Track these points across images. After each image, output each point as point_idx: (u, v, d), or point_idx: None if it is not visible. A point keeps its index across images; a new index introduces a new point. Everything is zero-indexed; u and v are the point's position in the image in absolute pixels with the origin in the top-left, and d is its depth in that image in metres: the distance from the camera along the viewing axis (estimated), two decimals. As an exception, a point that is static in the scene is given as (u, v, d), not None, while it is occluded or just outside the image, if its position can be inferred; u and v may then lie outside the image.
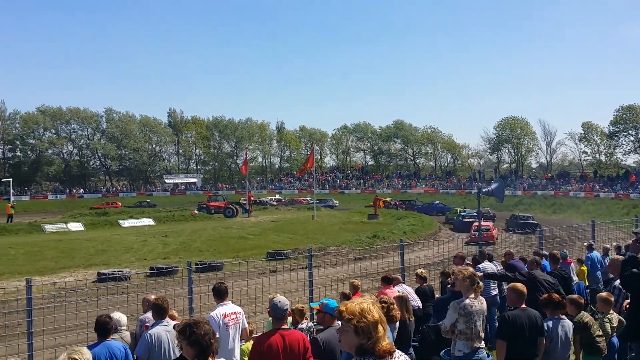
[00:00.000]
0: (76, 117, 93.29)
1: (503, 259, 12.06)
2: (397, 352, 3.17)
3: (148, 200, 75.69)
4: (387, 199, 65.81)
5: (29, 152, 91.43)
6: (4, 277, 23.82)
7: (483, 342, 6.41)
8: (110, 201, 73.27)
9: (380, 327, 3.01)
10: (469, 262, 11.39)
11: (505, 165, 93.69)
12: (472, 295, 6.35)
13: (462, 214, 48.42)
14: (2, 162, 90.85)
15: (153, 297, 7.13)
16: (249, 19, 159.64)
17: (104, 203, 70.95)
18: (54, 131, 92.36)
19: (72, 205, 73.11)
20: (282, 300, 5.49)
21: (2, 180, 79.78)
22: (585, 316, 7.01)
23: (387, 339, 3.07)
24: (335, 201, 73.27)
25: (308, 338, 5.79)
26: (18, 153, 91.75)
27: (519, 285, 6.59)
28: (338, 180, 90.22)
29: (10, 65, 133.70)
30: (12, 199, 70.84)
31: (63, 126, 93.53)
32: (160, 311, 6.55)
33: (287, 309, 5.51)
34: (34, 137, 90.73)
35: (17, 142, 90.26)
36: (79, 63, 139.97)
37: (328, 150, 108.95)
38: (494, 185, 17.43)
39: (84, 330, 9.39)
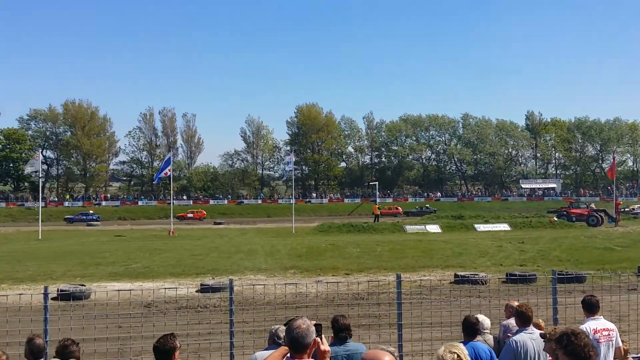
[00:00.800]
0: (435, 123, 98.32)
1: None
2: None
3: (427, 206, 76.64)
4: None
5: (392, 158, 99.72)
6: (372, 271, 26.17)
7: None
8: (195, 209, 76.93)
9: None
10: None
11: None
12: None
13: None
14: (370, 167, 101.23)
15: (516, 303, 6.85)
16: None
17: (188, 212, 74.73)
18: (414, 138, 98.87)
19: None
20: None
21: (370, 183, 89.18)
22: None
23: None
24: None
25: None
26: (383, 159, 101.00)
27: None
28: None
29: (379, 80, 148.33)
30: (377, 200, 78.62)
31: (422, 133, 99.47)
32: (524, 318, 6.27)
33: None
34: (397, 143, 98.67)
35: (383, 148, 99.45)
36: (440, 73, 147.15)
37: None
38: None
39: (447, 328, 9.56)
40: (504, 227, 48.26)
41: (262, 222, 65.43)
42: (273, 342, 5.64)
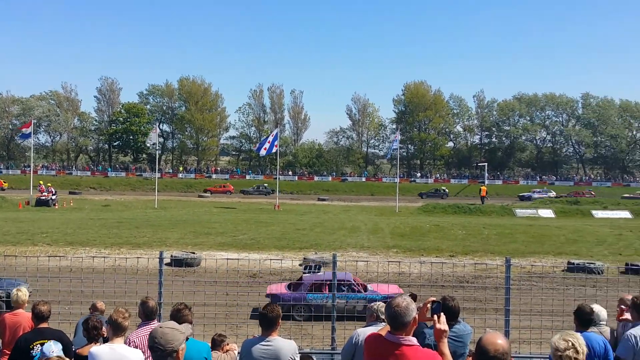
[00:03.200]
0: (551, 103, 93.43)
1: None
2: None
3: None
4: None
5: (503, 138, 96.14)
6: (478, 255, 25.52)
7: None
8: (223, 183, 75.97)
9: None
10: None
11: None
12: None
13: None
14: (479, 148, 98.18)
15: (630, 296, 6.28)
16: None
17: (218, 185, 74.06)
18: (528, 118, 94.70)
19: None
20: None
21: (479, 164, 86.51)
22: None
23: None
24: None
25: None
26: (494, 139, 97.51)
27: None
28: None
29: (492, 57, 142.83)
30: (486, 182, 76.24)
31: (538, 113, 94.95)
32: (640, 312, 5.75)
33: None
34: (509, 123, 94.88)
35: (494, 128, 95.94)
36: (558, 49, 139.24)
37: None
38: None
39: (558, 318, 9.07)
40: (625, 214, 45.25)
41: (366, 200, 65.55)
42: (376, 318, 5.58)
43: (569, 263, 22.87)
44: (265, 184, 74.25)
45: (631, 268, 20.19)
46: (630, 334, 5.57)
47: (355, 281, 16.34)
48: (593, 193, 69.18)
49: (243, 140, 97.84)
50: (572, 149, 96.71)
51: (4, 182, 69.64)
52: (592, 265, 21.98)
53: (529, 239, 30.80)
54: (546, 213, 45.71)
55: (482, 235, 31.82)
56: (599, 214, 45.52)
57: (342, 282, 15.36)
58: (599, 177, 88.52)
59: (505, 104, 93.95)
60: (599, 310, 6.24)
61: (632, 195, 67.17)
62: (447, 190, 75.07)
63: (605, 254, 27.09)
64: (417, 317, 3.68)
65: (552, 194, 69.40)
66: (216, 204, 52.83)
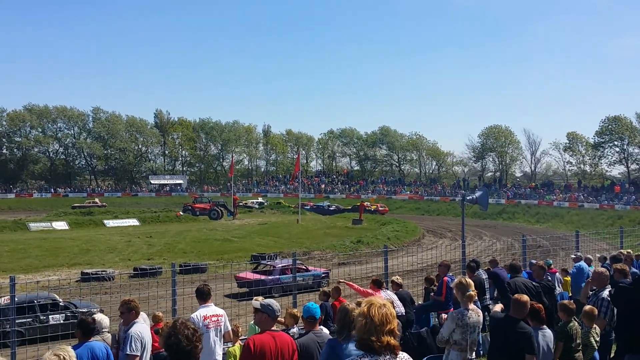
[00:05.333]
0: (63, 115, 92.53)
1: (487, 267, 12.18)
2: (403, 354, 3.36)
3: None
4: None
5: (15, 150, 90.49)
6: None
7: (474, 353, 6.40)
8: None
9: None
10: (464, 271, 11.52)
11: (490, 174, 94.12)
12: (470, 306, 6.35)
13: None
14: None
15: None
16: (237, 20, 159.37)
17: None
18: (40, 129, 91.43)
19: (58, 204, 72.23)
20: (275, 302, 5.50)
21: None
22: (576, 326, 6.94)
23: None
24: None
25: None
26: (4, 151, 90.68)
27: (522, 297, 6.28)
28: (323, 185, 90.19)
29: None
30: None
31: (49, 125, 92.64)
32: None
33: (279, 312, 5.53)
34: (20, 135, 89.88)
35: (4, 139, 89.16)
36: (66, 61, 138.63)
37: (314, 155, 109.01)
38: (478, 194, 17.55)
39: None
40: (134, 222, 48.63)
41: None
42: None
43: (82, 273, 23.39)
44: None
45: (139, 272, 22.06)
46: (136, 332, 6.29)
47: None
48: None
49: None
50: (84, 161, 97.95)
51: None
52: (104, 273, 23.02)
53: (43, 253, 30.19)
54: (60, 225, 45.32)
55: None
56: (110, 223, 47.63)
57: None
58: (110, 188, 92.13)
59: (16, 114, 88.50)
60: (101, 318, 6.74)
61: (82, 205, 66.77)
62: None
63: (116, 261, 28.78)
64: None
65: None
66: None
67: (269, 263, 23.58)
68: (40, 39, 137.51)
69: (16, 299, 8.72)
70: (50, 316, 15.27)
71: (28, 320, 14.36)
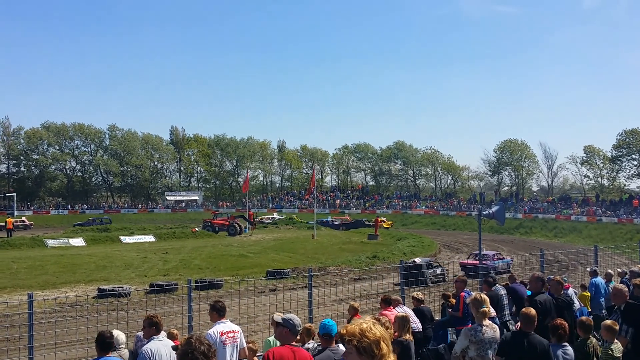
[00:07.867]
0: (80, 133, 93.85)
1: (505, 283, 12.05)
2: None
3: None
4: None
5: (32, 168, 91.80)
6: (6, 291, 23.85)
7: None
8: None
9: (383, 345, 3.04)
10: (481, 286, 11.40)
11: (506, 188, 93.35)
12: (485, 322, 6.27)
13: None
14: (7, 177, 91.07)
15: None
16: (252, 38, 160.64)
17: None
18: (57, 147, 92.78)
19: (75, 220, 72.79)
20: (296, 317, 5.51)
21: (6, 194, 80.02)
22: (594, 342, 6.72)
23: (392, 356, 3.10)
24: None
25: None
26: (22, 168, 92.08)
27: (530, 310, 6.27)
28: (338, 200, 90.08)
29: (15, 81, 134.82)
30: (15, 213, 70.96)
31: (67, 142, 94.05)
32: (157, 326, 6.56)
33: (300, 326, 5.54)
34: (38, 152, 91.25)
35: (22, 157, 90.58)
36: (83, 80, 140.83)
37: (329, 170, 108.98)
38: (494, 208, 17.39)
39: (83, 346, 9.40)
40: (149, 238, 48.86)
41: None
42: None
43: (99, 289, 23.48)
44: None
45: (155, 289, 22.08)
46: (147, 349, 6.30)
47: None
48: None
49: None
50: (101, 177, 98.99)
51: None
52: (120, 290, 23.11)
53: (60, 270, 30.37)
54: (77, 242, 45.64)
55: (10, 269, 29.89)
56: (127, 239, 47.91)
57: None
58: (126, 205, 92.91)
59: (33, 132, 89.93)
60: (118, 334, 6.78)
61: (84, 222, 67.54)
62: None
63: (133, 277, 28.88)
64: None
65: None
66: None
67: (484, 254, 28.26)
68: (58, 57, 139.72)
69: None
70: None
71: None
